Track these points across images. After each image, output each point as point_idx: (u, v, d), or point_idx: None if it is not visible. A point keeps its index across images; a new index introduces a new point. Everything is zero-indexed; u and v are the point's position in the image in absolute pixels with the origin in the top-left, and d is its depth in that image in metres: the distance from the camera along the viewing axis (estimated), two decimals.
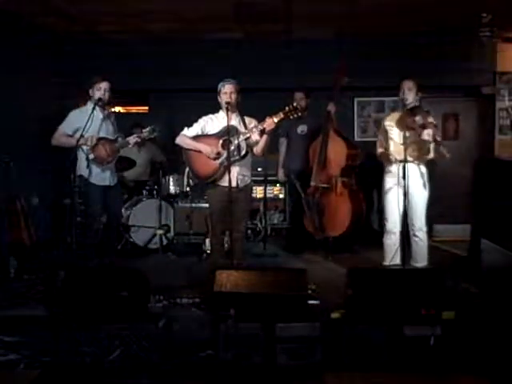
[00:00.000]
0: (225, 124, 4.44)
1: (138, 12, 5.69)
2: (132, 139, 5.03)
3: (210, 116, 4.69)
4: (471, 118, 7.27)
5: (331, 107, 5.81)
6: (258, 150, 4.57)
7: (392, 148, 4.91)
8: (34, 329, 3.59)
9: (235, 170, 4.51)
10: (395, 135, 4.88)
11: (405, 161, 4.48)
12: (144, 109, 7.58)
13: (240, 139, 4.45)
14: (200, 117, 4.74)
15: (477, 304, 3.92)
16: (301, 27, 6.39)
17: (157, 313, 3.73)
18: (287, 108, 4.32)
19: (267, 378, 3.21)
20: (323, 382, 3.06)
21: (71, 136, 4.85)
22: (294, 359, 3.25)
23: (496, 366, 3.11)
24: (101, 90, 4.87)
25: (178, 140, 4.70)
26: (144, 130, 5.08)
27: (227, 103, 4.45)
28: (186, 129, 4.71)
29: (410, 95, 4.77)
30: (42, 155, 6.02)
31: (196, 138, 4.64)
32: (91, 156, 4.84)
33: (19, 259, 5.00)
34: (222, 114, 4.61)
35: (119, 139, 5.03)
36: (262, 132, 4.43)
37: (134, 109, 7.61)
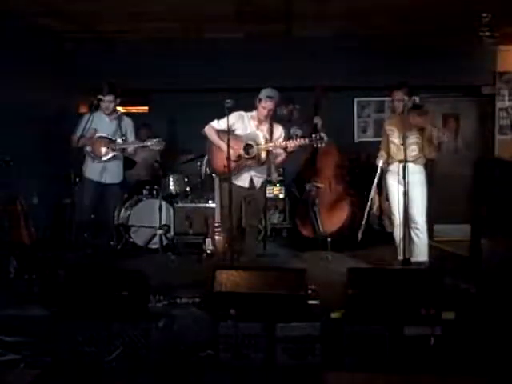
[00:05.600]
0: (253, 130, 4.75)
1: (138, 12, 5.69)
2: (131, 147, 5.32)
3: (242, 114, 4.82)
4: (471, 117, 7.27)
5: (318, 120, 6.00)
6: (276, 162, 4.94)
7: (394, 150, 5.00)
8: (34, 329, 3.59)
9: (252, 173, 4.80)
10: (396, 137, 4.96)
11: (405, 161, 4.53)
12: (144, 109, 7.58)
13: (262, 149, 4.69)
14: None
15: (477, 304, 3.92)
16: (301, 27, 6.39)
17: (157, 313, 3.72)
18: (313, 136, 4.60)
19: (267, 378, 3.21)
20: (323, 381, 3.06)
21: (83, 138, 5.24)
22: (294, 359, 3.25)
23: (496, 365, 3.11)
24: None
25: (206, 130, 4.89)
26: (153, 141, 5.23)
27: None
28: (215, 121, 4.86)
29: (399, 105, 4.91)
30: (42, 155, 6.02)
31: (223, 133, 4.76)
32: (88, 148, 5.21)
33: (19, 259, 5.00)
34: (253, 114, 4.81)
35: (118, 141, 5.27)
36: (284, 149, 4.71)
37: (133, 109, 7.59)
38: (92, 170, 5.33)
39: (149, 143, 5.22)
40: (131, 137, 5.44)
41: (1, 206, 5.13)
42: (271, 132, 4.81)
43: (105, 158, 5.27)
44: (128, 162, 6.09)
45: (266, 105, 4.71)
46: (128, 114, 6.40)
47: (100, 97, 5.20)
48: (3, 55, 5.52)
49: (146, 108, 7.56)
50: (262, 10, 5.67)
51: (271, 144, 4.72)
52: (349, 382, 3.11)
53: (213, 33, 6.55)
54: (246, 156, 4.69)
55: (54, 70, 6.69)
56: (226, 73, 6.65)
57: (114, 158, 5.32)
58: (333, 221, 5.95)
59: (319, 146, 4.64)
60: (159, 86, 7.03)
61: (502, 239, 4.30)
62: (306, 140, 4.59)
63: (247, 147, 4.70)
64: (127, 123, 5.46)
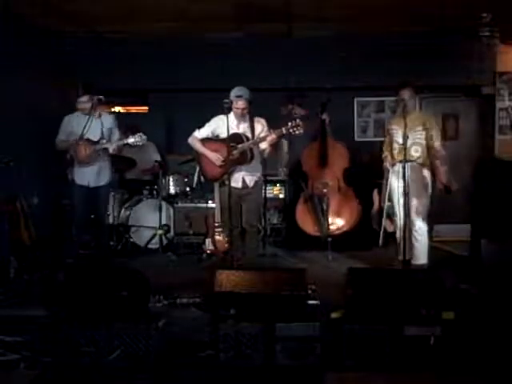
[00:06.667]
0: (234, 129, 4.73)
1: (138, 12, 5.69)
2: (113, 145, 5.16)
3: (222, 117, 4.79)
4: (471, 117, 7.26)
5: (325, 116, 6.05)
6: (264, 155, 4.94)
7: (397, 150, 5.00)
8: (33, 329, 3.59)
9: (243, 172, 4.80)
10: (400, 137, 4.94)
11: (405, 161, 4.54)
12: (144, 109, 7.58)
13: (244, 148, 4.70)
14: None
15: (477, 304, 3.91)
16: (301, 27, 6.40)
17: (157, 313, 3.72)
18: (289, 124, 4.51)
19: (267, 378, 3.20)
20: (323, 381, 3.06)
21: (66, 141, 5.23)
22: (294, 359, 3.25)
23: (496, 366, 3.11)
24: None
25: (190, 140, 4.97)
26: (134, 137, 5.10)
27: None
28: (197, 130, 4.93)
29: (410, 102, 4.92)
30: (42, 156, 6.02)
31: (206, 140, 4.89)
32: (72, 152, 5.16)
33: (19, 259, 5.00)
34: (232, 117, 4.75)
35: (101, 141, 5.16)
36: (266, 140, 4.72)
37: (133, 109, 7.61)
38: (77, 174, 5.23)
39: (130, 140, 5.08)
40: (115, 134, 5.29)
41: (1, 206, 5.14)
42: (253, 129, 4.82)
43: (87, 161, 5.15)
44: (128, 162, 6.09)
45: (237, 105, 4.72)
46: (128, 114, 6.45)
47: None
48: (3, 55, 5.53)
49: (146, 108, 7.56)
50: (262, 9, 5.67)
51: (251, 141, 4.74)
52: (349, 381, 3.11)
53: (213, 33, 6.55)
54: (231, 157, 4.67)
55: (54, 69, 6.69)
56: (226, 73, 6.65)
57: (98, 159, 5.19)
58: (342, 222, 5.97)
59: (297, 133, 4.55)
60: (158, 85, 7.03)
61: (501, 239, 4.30)
62: (283, 129, 4.54)
63: (230, 149, 4.68)
64: (109, 121, 5.28)
